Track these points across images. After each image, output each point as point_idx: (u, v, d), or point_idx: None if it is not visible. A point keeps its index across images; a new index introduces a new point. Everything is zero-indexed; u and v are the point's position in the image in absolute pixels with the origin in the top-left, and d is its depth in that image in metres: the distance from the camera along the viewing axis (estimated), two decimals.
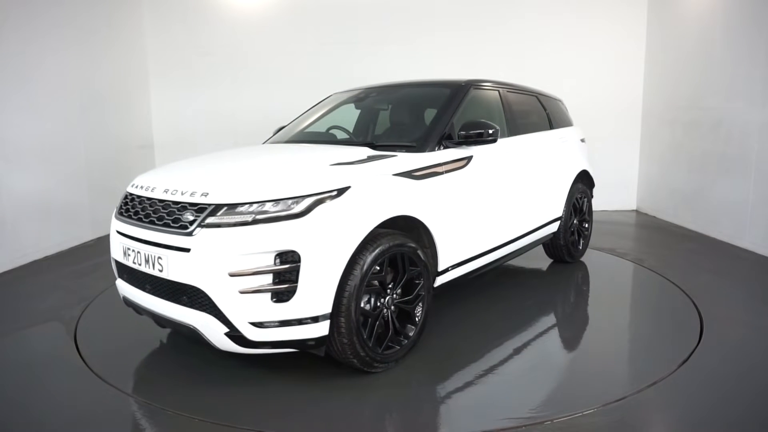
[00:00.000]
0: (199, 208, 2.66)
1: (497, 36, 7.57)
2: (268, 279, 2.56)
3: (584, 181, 5.22)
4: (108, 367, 3.14)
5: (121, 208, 3.12)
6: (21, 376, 3.05)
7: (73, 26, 5.86)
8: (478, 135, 3.42)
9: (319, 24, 7.48)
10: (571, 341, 3.56)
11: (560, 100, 5.42)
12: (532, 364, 3.18)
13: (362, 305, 2.81)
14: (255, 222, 2.56)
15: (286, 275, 2.57)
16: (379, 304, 2.95)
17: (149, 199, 2.90)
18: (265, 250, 2.54)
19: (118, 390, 2.87)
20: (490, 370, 3.08)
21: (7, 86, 4.99)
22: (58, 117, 5.68)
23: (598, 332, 3.72)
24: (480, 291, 4.34)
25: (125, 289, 3.08)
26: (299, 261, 2.56)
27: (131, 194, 3.08)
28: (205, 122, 7.63)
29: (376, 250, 2.81)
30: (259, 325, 2.59)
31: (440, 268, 3.37)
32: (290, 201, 2.61)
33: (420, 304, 3.15)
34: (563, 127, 5.10)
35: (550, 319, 3.86)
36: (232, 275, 2.53)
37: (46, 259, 5.37)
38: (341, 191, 2.74)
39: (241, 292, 2.54)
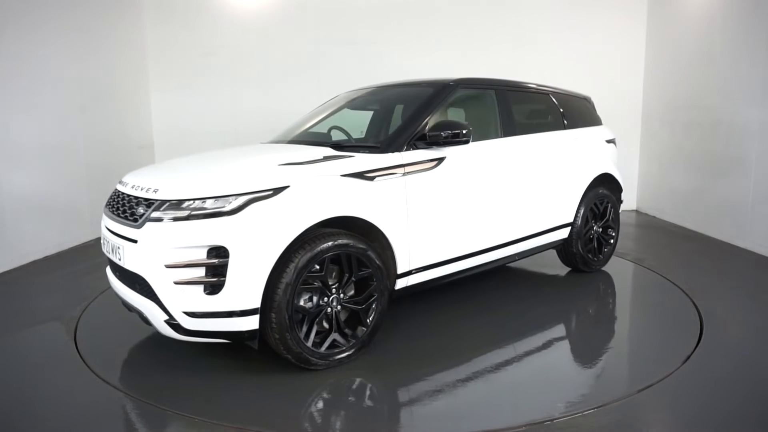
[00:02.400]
0: (149, 203, 2.86)
1: (498, 36, 7.57)
2: (201, 272, 2.71)
3: (608, 186, 4.89)
4: (108, 367, 3.14)
5: (107, 202, 3.34)
6: (21, 376, 3.05)
7: (73, 26, 5.85)
8: (448, 136, 3.35)
9: (319, 24, 7.48)
10: (570, 341, 3.55)
11: (586, 99, 5.14)
12: (529, 363, 3.18)
13: (302, 303, 2.91)
14: (190, 217, 2.71)
15: (217, 269, 2.70)
16: (322, 303, 2.98)
17: (122, 194, 3.14)
18: (198, 245, 2.69)
19: (118, 390, 2.88)
20: (481, 372, 3.08)
21: (8, 86, 4.99)
22: (58, 117, 5.68)
23: (598, 332, 3.72)
24: (480, 293, 4.34)
25: (108, 275, 3.35)
26: (228, 256, 2.68)
27: (115, 189, 3.30)
28: (205, 122, 7.62)
29: (315, 250, 2.86)
30: (192, 314, 2.74)
31: (401, 271, 3.32)
32: (228, 199, 2.74)
33: (373, 305, 3.15)
34: (584, 127, 4.81)
35: (548, 318, 3.86)
36: (168, 266, 2.70)
37: (46, 259, 5.37)
38: (278, 190, 2.82)
39: (176, 283, 2.70)
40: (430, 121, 3.52)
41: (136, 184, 3.06)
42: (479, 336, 3.52)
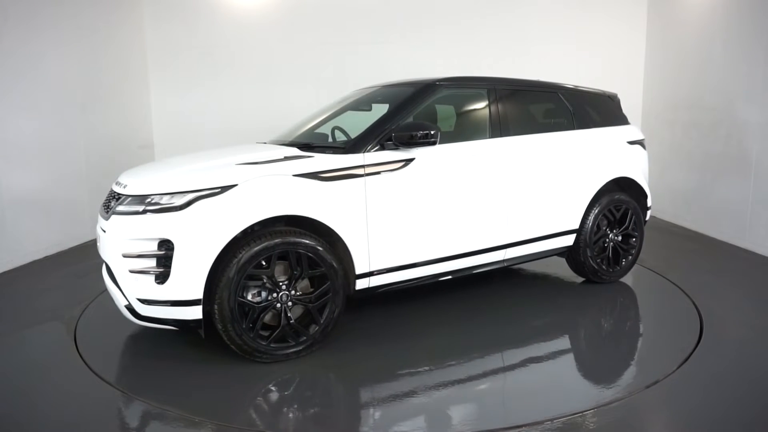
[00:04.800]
0: (118, 197, 3.14)
1: (497, 36, 7.57)
2: (153, 262, 2.93)
3: (628, 190, 4.54)
4: (108, 367, 3.15)
5: None
6: (21, 376, 3.05)
7: (73, 25, 5.85)
8: (413, 137, 3.33)
9: (319, 23, 7.48)
10: (570, 341, 3.55)
11: (609, 96, 4.79)
12: (528, 363, 3.18)
13: (250, 297, 3.04)
14: (144, 212, 2.95)
15: (165, 261, 2.91)
16: (270, 298, 3.06)
17: (111, 190, 3.37)
18: (149, 237, 2.92)
19: (118, 390, 2.88)
20: (463, 377, 3.07)
21: (8, 86, 4.99)
22: (58, 116, 5.68)
23: (597, 332, 3.72)
24: (478, 296, 4.33)
25: (103, 266, 3.47)
26: (173, 249, 2.87)
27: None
28: (205, 122, 7.62)
29: (259, 246, 2.96)
30: (145, 301, 2.97)
31: (360, 272, 3.33)
32: (178, 195, 2.95)
33: (327, 304, 3.19)
34: (601, 127, 4.48)
35: (548, 317, 3.86)
36: (124, 256, 2.96)
37: (46, 259, 5.37)
38: (225, 189, 2.97)
39: (131, 272, 2.95)
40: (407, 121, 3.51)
41: (119, 180, 3.32)
42: (469, 339, 3.51)
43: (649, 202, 4.72)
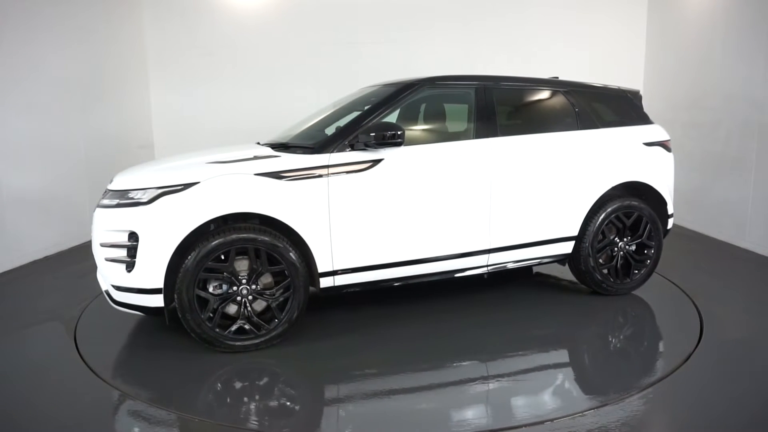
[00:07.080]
0: (105, 192, 3.39)
1: (497, 35, 7.57)
2: (123, 252, 3.15)
3: (644, 196, 4.25)
4: (108, 367, 3.15)
5: None
6: (22, 376, 3.06)
7: (73, 25, 5.85)
8: (383, 137, 3.33)
9: (319, 23, 7.48)
10: (570, 341, 3.55)
11: (629, 94, 4.45)
12: (527, 363, 3.18)
13: (212, 290, 3.18)
14: (118, 206, 3.19)
15: (132, 251, 3.11)
16: (230, 291, 3.20)
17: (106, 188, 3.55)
18: (118, 229, 3.15)
19: (118, 390, 2.88)
20: (472, 379, 3.07)
21: (7, 85, 4.99)
22: (58, 116, 5.68)
23: (597, 332, 3.72)
24: (475, 300, 4.34)
25: None
26: (138, 240, 3.07)
27: None
28: (205, 122, 7.62)
29: (217, 241, 3.10)
30: (117, 288, 3.20)
31: (322, 270, 3.36)
32: (146, 191, 3.14)
33: (289, 300, 3.27)
34: (613, 127, 4.18)
35: (548, 318, 3.85)
36: (101, 245, 3.20)
37: (46, 258, 5.37)
38: (187, 186, 3.14)
39: (106, 260, 3.19)
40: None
41: (112, 178, 3.52)
42: (466, 339, 3.50)
43: (671, 209, 4.34)
